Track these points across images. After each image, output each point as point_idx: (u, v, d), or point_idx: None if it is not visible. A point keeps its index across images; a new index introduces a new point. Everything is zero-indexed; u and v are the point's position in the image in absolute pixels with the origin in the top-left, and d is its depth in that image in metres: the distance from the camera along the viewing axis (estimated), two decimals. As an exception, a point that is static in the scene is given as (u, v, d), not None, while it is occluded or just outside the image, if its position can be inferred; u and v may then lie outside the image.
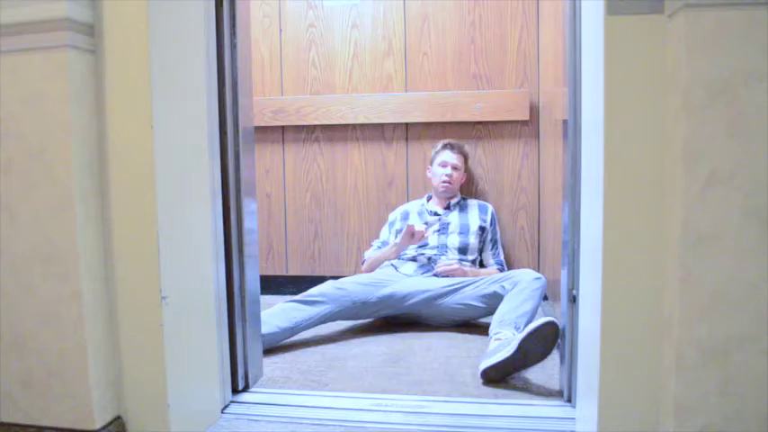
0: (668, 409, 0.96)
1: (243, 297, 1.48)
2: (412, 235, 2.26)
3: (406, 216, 2.52)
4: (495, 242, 2.48)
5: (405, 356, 1.83)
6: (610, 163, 1.02)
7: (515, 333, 1.72)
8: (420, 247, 2.40)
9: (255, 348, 1.56)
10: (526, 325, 1.81)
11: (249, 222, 1.50)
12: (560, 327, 1.45)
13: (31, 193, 1.11)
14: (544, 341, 1.52)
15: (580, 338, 1.29)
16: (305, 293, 2.05)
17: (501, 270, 2.41)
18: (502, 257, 2.48)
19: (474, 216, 2.47)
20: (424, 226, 2.35)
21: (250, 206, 1.51)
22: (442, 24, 2.66)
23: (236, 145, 1.44)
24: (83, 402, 1.12)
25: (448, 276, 2.22)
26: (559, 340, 1.49)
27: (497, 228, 2.52)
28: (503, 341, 1.64)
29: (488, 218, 2.49)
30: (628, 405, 1.04)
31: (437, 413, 1.38)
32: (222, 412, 1.39)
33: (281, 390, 1.55)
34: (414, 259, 2.38)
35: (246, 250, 1.48)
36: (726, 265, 0.92)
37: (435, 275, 2.27)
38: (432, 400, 1.46)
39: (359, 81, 2.73)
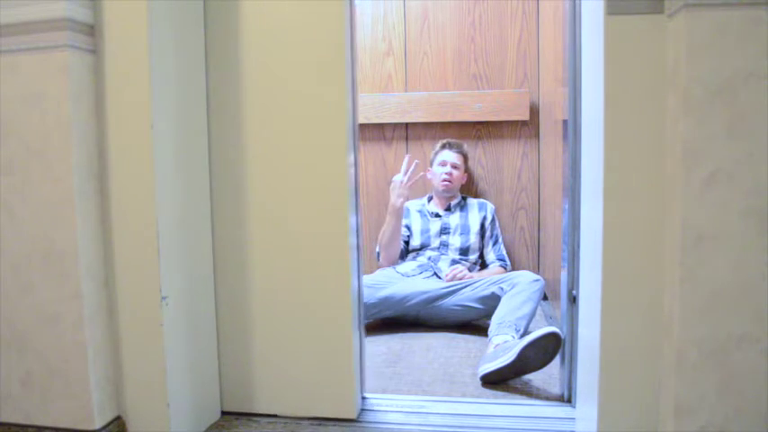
0: (668, 409, 0.96)
1: (243, 297, 1.47)
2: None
3: (406, 211, 2.51)
4: (495, 239, 2.48)
5: (405, 356, 1.83)
6: (610, 163, 1.02)
7: (515, 336, 1.72)
8: (422, 248, 2.40)
9: (255, 348, 1.56)
10: (526, 327, 1.82)
11: (249, 222, 1.49)
12: (562, 337, 1.44)
13: (31, 192, 1.11)
14: (545, 351, 1.51)
15: (580, 338, 1.29)
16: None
17: (503, 265, 2.41)
18: (503, 252, 2.47)
19: (474, 216, 2.47)
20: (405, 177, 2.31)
21: (250, 206, 1.50)
22: (442, 24, 2.66)
23: (236, 145, 1.44)
24: (83, 402, 1.13)
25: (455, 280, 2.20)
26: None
27: (498, 225, 2.52)
28: (502, 345, 1.63)
29: (489, 215, 2.48)
30: (628, 405, 1.04)
31: (437, 413, 1.38)
32: (222, 412, 1.39)
33: (281, 390, 1.55)
34: (414, 259, 2.38)
35: (246, 250, 1.47)
36: (725, 264, 0.92)
37: (438, 277, 2.26)
38: (432, 400, 1.46)
39: (359, 81, 2.72)
